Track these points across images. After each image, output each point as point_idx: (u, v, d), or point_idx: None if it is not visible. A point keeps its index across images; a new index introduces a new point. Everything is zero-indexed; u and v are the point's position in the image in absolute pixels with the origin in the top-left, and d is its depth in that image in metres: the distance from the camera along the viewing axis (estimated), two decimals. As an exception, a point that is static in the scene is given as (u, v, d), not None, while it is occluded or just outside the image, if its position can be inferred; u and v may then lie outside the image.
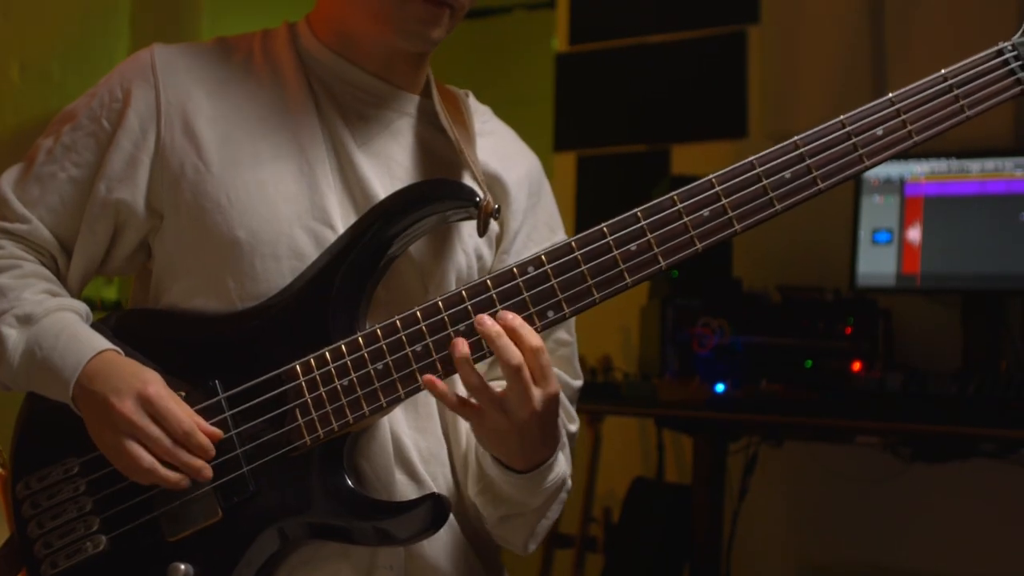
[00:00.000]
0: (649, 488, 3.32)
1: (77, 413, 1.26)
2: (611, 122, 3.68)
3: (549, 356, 1.42)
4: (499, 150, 1.43)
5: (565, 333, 1.44)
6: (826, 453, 3.12)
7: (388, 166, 1.35)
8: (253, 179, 1.30)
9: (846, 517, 3.19)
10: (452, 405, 1.21)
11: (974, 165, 2.87)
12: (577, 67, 3.74)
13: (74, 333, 1.28)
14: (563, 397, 1.41)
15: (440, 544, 1.34)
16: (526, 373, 1.18)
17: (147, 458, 1.21)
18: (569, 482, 1.38)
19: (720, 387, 2.85)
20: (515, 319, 1.19)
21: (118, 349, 1.28)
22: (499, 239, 1.42)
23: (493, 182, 1.39)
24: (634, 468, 3.49)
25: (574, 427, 1.44)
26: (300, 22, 1.41)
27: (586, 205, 3.71)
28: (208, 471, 1.23)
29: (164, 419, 1.21)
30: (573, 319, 1.44)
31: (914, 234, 2.91)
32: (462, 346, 1.19)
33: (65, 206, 1.34)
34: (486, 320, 1.19)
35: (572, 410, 1.44)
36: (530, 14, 4.90)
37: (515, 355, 1.17)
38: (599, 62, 3.68)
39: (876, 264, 2.94)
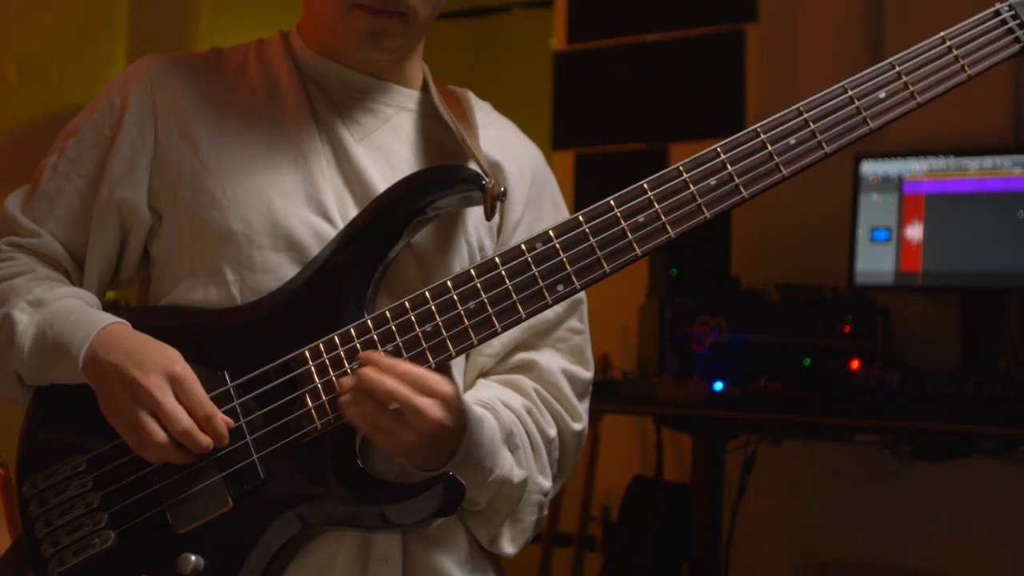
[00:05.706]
0: (648, 487, 3.32)
1: (91, 386, 1.25)
2: (609, 120, 3.68)
3: (562, 344, 1.40)
4: (500, 141, 1.43)
5: (577, 321, 1.43)
6: (825, 451, 3.12)
7: (389, 158, 1.36)
8: (248, 173, 1.32)
9: (845, 515, 3.19)
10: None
11: (972, 163, 2.87)
12: (575, 65, 3.74)
13: (85, 311, 1.29)
14: (569, 393, 1.40)
15: (439, 538, 1.32)
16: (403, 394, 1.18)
17: (161, 434, 1.20)
18: (530, 482, 1.33)
19: (719, 385, 2.85)
20: (367, 366, 1.19)
21: (127, 323, 1.29)
22: (499, 229, 1.41)
23: (494, 171, 1.39)
24: (633, 467, 3.49)
25: (579, 426, 1.40)
26: (292, 30, 1.43)
27: (585, 203, 3.68)
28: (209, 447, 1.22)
29: (187, 399, 1.21)
30: (585, 310, 1.44)
31: (912, 232, 2.91)
32: (347, 382, 1.19)
33: (74, 218, 1.35)
34: (344, 382, 1.20)
35: (579, 408, 1.41)
36: (528, 12, 4.90)
37: (383, 384, 1.17)
38: (597, 60, 3.68)
39: (874, 262, 2.94)
